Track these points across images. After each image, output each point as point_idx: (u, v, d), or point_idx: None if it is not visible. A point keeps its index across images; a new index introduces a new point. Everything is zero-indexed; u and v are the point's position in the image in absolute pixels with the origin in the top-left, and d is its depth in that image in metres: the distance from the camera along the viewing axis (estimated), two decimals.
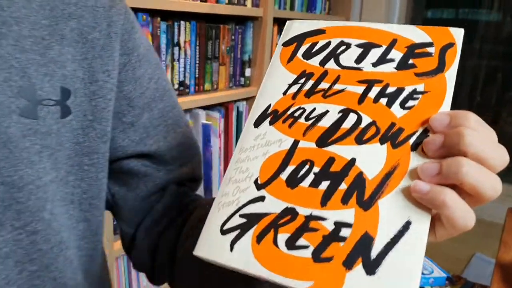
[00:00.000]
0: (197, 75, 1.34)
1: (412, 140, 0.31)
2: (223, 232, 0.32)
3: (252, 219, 0.32)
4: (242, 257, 0.31)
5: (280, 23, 1.64)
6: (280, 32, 1.64)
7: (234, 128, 1.50)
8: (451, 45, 0.34)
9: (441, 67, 0.33)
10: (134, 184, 0.50)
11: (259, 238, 0.31)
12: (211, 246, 0.32)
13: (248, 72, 1.53)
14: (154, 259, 0.51)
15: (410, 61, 0.34)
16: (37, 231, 0.38)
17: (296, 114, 0.35)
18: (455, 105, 0.32)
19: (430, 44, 0.35)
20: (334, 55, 0.37)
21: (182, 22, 1.25)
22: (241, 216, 0.32)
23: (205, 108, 1.37)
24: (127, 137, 0.47)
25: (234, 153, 0.36)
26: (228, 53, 1.43)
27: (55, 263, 0.40)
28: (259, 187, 0.33)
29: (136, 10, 1.09)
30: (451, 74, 0.33)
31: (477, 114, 0.31)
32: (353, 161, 0.31)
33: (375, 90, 0.34)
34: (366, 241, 0.28)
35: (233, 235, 0.32)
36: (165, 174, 0.51)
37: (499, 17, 2.20)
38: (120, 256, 1.21)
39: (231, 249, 0.31)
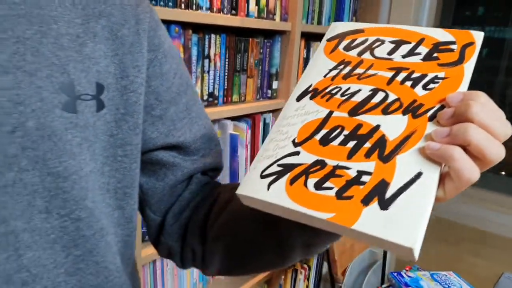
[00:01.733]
0: (225, 87, 1.37)
1: (430, 113, 0.36)
2: (262, 176, 0.38)
3: (288, 167, 0.38)
4: (276, 194, 0.36)
5: (307, 37, 1.66)
6: (307, 46, 1.66)
7: (261, 139, 1.52)
8: (471, 43, 0.40)
9: (460, 60, 0.39)
10: (163, 174, 0.52)
11: (292, 181, 0.36)
12: (251, 187, 0.38)
13: (275, 84, 1.55)
14: (184, 241, 0.54)
15: (435, 55, 0.40)
16: (80, 219, 0.41)
17: (333, 91, 0.41)
18: None
19: (453, 43, 0.40)
20: (370, 48, 0.43)
21: (213, 35, 1.28)
22: (278, 165, 0.38)
23: (232, 119, 1.39)
24: (156, 129, 0.49)
25: (277, 121, 0.43)
26: (256, 66, 1.46)
27: (97, 248, 0.43)
28: (295, 145, 0.39)
29: (169, 23, 1.12)
30: (469, 65, 0.38)
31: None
32: (377, 126, 0.37)
33: (402, 75, 0.40)
34: (382, 185, 0.34)
35: (270, 178, 0.38)
36: (191, 164, 0.53)
37: None
38: (146, 264, 1.23)
39: (268, 188, 0.37)
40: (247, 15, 1.36)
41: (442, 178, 0.34)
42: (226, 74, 1.36)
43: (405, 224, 0.31)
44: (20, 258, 0.38)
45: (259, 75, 1.49)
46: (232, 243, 0.50)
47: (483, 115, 0.33)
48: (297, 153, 0.38)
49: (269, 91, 1.54)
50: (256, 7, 1.39)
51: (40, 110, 0.37)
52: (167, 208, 0.54)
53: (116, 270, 0.45)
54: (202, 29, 1.25)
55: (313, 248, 0.46)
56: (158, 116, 0.49)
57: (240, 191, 0.39)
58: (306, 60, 1.68)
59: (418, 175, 0.33)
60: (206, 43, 1.27)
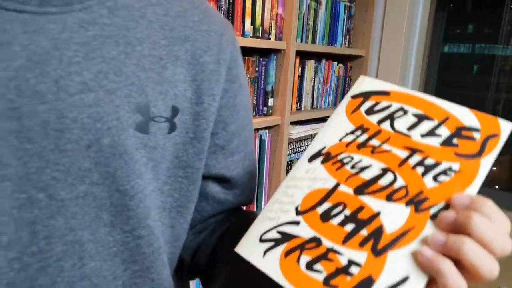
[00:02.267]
0: None
1: (432, 210, 0.35)
2: (261, 240, 0.39)
3: (286, 237, 0.38)
4: (270, 264, 0.37)
5: (302, 55, 1.69)
6: (301, 64, 1.70)
7: (257, 156, 1.54)
8: (495, 135, 0.37)
9: (480, 153, 0.37)
10: (201, 207, 0.52)
11: (287, 254, 0.37)
12: (249, 248, 0.39)
13: (271, 102, 1.57)
14: (194, 257, 0.55)
15: (455, 141, 0.38)
16: (142, 236, 0.42)
17: (345, 160, 0.41)
18: None
19: (477, 130, 0.38)
20: (391, 117, 0.42)
21: None
22: (278, 232, 0.39)
23: None
24: (215, 158, 0.50)
25: (286, 178, 0.43)
26: (252, 83, 1.49)
27: (154, 265, 0.44)
28: (298, 213, 0.39)
29: None
30: (487, 161, 0.36)
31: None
32: (378, 214, 0.36)
33: (416, 158, 0.38)
34: (368, 282, 0.33)
35: (268, 245, 0.38)
36: (232, 198, 0.54)
37: None
38: None
39: (264, 255, 0.38)
40: (243, 34, 1.39)
41: (430, 283, 0.33)
42: None
43: None
44: (83, 267, 0.39)
45: (255, 92, 1.51)
46: (232, 271, 0.50)
47: (483, 230, 0.31)
48: (298, 223, 0.38)
49: (265, 108, 1.56)
50: (252, 26, 1.42)
51: (115, 129, 0.38)
52: (190, 227, 0.55)
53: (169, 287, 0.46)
54: None
55: None
56: (220, 145, 0.49)
57: (238, 249, 0.40)
58: (301, 78, 1.71)
59: (405, 279, 0.33)
60: None
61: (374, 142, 0.41)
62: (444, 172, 0.36)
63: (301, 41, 1.68)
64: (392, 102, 0.42)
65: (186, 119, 0.44)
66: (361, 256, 0.35)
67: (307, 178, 0.41)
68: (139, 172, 0.40)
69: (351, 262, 0.35)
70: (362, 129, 0.42)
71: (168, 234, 0.47)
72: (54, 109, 0.36)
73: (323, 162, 0.41)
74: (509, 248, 0.32)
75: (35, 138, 0.36)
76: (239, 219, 0.54)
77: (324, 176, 0.40)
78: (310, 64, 1.75)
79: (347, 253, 0.35)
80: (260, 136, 1.54)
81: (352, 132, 0.42)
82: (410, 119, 0.41)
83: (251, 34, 1.43)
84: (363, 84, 0.45)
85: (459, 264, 0.32)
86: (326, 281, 0.35)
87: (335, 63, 1.91)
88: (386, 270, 0.33)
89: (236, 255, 0.50)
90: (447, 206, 0.35)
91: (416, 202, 0.36)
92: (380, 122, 0.42)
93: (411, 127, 0.40)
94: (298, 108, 1.73)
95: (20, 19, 0.36)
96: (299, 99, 1.74)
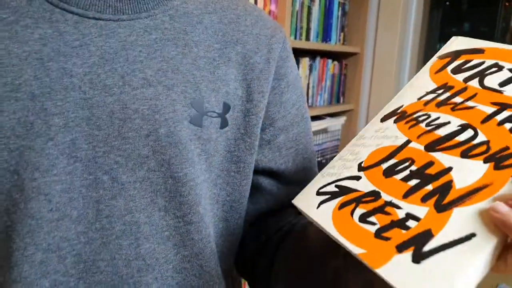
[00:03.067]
0: None
1: None
2: (318, 193, 0.39)
3: (343, 190, 0.37)
4: (323, 214, 0.37)
5: (296, 53, 1.67)
6: (296, 61, 1.68)
7: None
8: None
9: None
10: (255, 199, 0.54)
11: (342, 206, 0.36)
12: (306, 200, 0.39)
13: None
14: (253, 261, 0.55)
15: None
16: (192, 222, 0.45)
17: (420, 118, 0.38)
18: None
19: None
20: (481, 74, 0.38)
21: None
22: (336, 186, 0.38)
23: None
24: (262, 152, 0.52)
25: (352, 139, 0.42)
26: None
27: (202, 253, 0.46)
28: (360, 169, 0.38)
29: None
30: None
31: None
32: (449, 169, 0.33)
33: (505, 113, 0.34)
34: (426, 235, 0.30)
35: (323, 197, 0.38)
36: (287, 194, 0.54)
37: None
38: None
39: (318, 207, 0.38)
40: None
41: (506, 248, 0.29)
42: None
43: (432, 287, 0.27)
44: (138, 247, 0.43)
45: None
46: (295, 266, 0.50)
47: None
48: (358, 178, 0.37)
49: None
50: None
51: (172, 120, 0.43)
52: (249, 226, 0.55)
53: (217, 276, 0.48)
54: None
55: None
56: (267, 140, 0.52)
57: (296, 201, 0.40)
58: None
59: (470, 236, 0.28)
60: None
61: (457, 99, 0.37)
62: None
63: (295, 38, 1.67)
64: (485, 59, 0.38)
65: (238, 116, 0.48)
66: (421, 210, 0.32)
67: (376, 137, 0.39)
68: (191, 161, 0.44)
69: (409, 216, 0.32)
70: (445, 87, 0.39)
71: (221, 227, 0.49)
72: (119, 100, 0.41)
73: (396, 121, 0.39)
74: None
75: (102, 126, 0.41)
76: (296, 236, 0.52)
77: (396, 134, 0.38)
78: (305, 61, 1.73)
79: (406, 207, 0.33)
80: None
81: (433, 91, 0.39)
82: (504, 75, 0.36)
83: None
84: (453, 43, 0.42)
85: None
86: (378, 232, 0.32)
87: (330, 60, 1.89)
88: (449, 225, 0.30)
89: (291, 274, 0.50)
90: None
91: (498, 158, 0.31)
92: (467, 79, 0.38)
93: (504, 83, 0.36)
94: None
95: (98, 25, 0.42)
96: None
